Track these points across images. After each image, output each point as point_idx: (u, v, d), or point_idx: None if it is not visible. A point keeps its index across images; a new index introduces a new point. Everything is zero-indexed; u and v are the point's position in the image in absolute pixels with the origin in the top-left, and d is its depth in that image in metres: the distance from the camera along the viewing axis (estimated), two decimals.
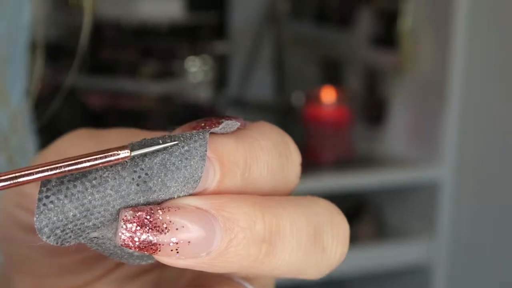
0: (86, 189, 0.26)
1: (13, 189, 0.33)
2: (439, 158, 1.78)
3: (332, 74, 2.06)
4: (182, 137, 0.27)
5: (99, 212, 0.26)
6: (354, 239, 2.00)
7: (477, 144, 1.80)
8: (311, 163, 1.82)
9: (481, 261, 1.82)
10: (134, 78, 1.88)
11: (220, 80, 2.05)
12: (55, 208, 0.25)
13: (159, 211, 0.26)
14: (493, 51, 1.77)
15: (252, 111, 2.09)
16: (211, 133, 0.28)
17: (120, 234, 0.25)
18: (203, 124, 0.28)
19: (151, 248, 0.25)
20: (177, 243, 0.25)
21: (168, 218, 0.25)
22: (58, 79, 1.95)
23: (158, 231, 0.25)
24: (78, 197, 0.26)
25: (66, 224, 0.25)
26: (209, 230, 0.26)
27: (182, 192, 0.26)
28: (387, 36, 1.88)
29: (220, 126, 0.28)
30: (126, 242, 0.25)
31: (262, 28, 2.13)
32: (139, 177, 0.26)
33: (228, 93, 2.11)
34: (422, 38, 1.81)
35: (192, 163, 0.26)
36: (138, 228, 0.25)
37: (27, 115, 0.60)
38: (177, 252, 0.26)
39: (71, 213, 0.25)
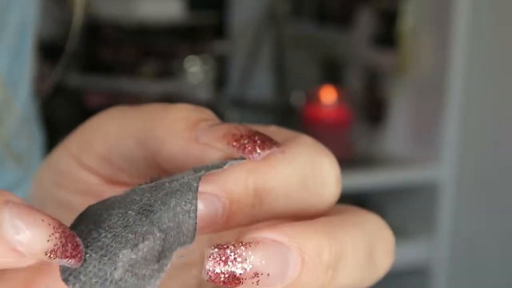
0: (100, 235, 0.29)
1: (50, 168, 0.35)
2: (439, 158, 1.78)
3: (332, 74, 2.06)
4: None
5: (111, 246, 0.29)
6: None
7: (477, 144, 1.80)
8: None
9: (481, 261, 1.82)
10: (134, 78, 1.88)
11: (220, 80, 2.05)
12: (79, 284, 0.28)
13: (242, 247, 0.27)
14: (493, 51, 1.77)
15: (252, 111, 2.09)
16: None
17: (207, 268, 0.27)
18: (247, 146, 0.29)
19: (235, 282, 0.27)
20: (258, 276, 0.27)
21: (250, 253, 0.27)
22: (57, 78, 1.94)
23: (242, 266, 0.27)
24: (92, 242, 0.29)
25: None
26: (285, 262, 0.28)
27: (185, 201, 0.29)
28: (387, 36, 1.88)
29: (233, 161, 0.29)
30: (212, 278, 0.27)
31: (262, 28, 2.13)
32: (144, 209, 0.29)
33: (228, 93, 2.11)
34: (422, 38, 1.80)
35: (189, 181, 0.29)
36: (223, 264, 0.27)
37: (34, 108, 0.60)
38: (257, 284, 0.27)
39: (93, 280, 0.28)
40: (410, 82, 1.84)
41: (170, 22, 1.91)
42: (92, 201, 0.30)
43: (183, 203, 0.28)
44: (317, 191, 0.30)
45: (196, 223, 0.28)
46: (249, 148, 0.29)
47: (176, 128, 0.31)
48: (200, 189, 0.28)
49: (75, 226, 0.29)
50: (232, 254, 0.27)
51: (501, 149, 1.79)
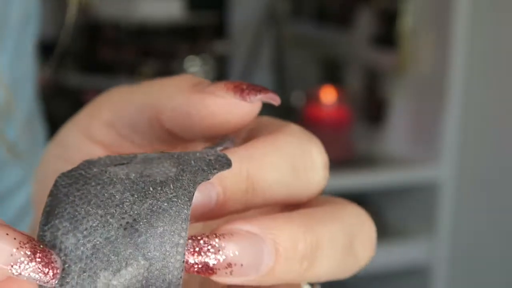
0: (78, 241, 0.26)
1: (57, 144, 0.36)
2: (439, 158, 1.78)
3: (332, 74, 2.06)
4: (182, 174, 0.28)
5: (91, 261, 0.26)
6: None
7: (477, 144, 1.80)
8: None
9: (481, 261, 1.82)
10: (134, 78, 1.88)
11: (220, 80, 2.05)
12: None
13: (215, 238, 0.28)
14: (493, 51, 1.77)
15: None
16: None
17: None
18: (245, 89, 0.31)
19: (208, 272, 0.28)
20: (231, 267, 0.28)
21: (223, 244, 0.28)
22: (57, 78, 1.94)
23: (215, 257, 0.28)
24: (71, 249, 0.26)
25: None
26: (259, 253, 0.28)
27: (173, 232, 0.27)
28: (387, 36, 1.88)
29: (218, 148, 0.30)
30: (186, 268, 0.27)
31: (262, 28, 2.13)
32: (127, 222, 0.26)
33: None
34: (422, 38, 1.81)
35: (178, 203, 0.27)
36: (196, 254, 0.27)
37: (37, 106, 0.60)
38: (231, 274, 0.28)
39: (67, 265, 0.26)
40: (410, 82, 1.84)
41: (170, 22, 1.91)
42: None
43: (172, 232, 0.27)
44: (307, 176, 0.31)
45: (183, 261, 0.27)
46: (247, 91, 0.31)
47: (180, 84, 0.32)
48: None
49: (47, 214, 0.27)
50: (206, 245, 0.27)
51: (501, 149, 1.79)
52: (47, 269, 0.25)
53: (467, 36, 1.74)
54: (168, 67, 1.90)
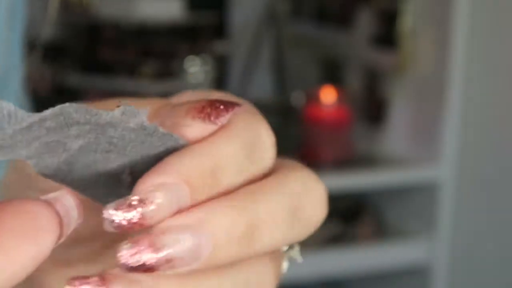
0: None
1: (18, 173, 0.36)
2: (439, 158, 1.78)
3: (332, 74, 2.06)
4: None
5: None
6: (354, 239, 2.00)
7: (477, 144, 1.80)
8: (310, 163, 1.81)
9: (481, 261, 1.82)
10: (134, 78, 1.88)
11: (220, 80, 2.05)
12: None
13: (153, 237, 0.29)
14: (493, 51, 1.77)
15: None
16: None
17: (121, 262, 0.29)
18: (211, 114, 0.31)
19: (149, 270, 0.29)
20: (171, 262, 0.29)
21: (161, 242, 0.29)
22: (57, 78, 1.95)
23: (153, 256, 0.29)
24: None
25: None
26: (197, 245, 0.29)
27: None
28: (387, 36, 1.88)
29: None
30: (128, 271, 0.29)
31: (262, 28, 2.13)
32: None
33: (228, 93, 2.10)
34: (422, 38, 1.81)
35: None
36: (135, 256, 0.28)
37: (24, 100, 0.60)
38: (172, 268, 0.29)
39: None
40: (410, 82, 1.84)
41: (170, 22, 1.91)
42: None
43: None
44: (260, 157, 0.32)
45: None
46: (214, 115, 0.31)
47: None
48: (159, 180, 0.29)
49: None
50: (143, 246, 0.29)
51: (501, 149, 1.79)
52: None
53: (467, 36, 1.74)
54: (168, 67, 1.90)
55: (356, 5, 1.97)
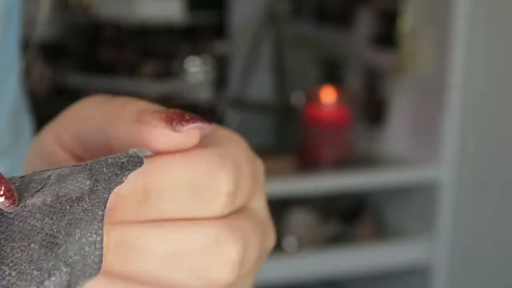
0: (4, 272, 0.28)
1: (37, 144, 0.38)
2: (439, 158, 1.78)
3: (332, 74, 2.06)
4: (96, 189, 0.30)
5: (18, 286, 0.28)
6: (354, 239, 2.00)
7: (477, 144, 1.80)
8: (310, 163, 1.82)
9: (481, 261, 1.82)
10: (134, 78, 1.88)
11: (220, 80, 2.05)
12: None
13: None
14: (493, 51, 1.77)
15: (252, 111, 2.09)
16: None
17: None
18: (174, 119, 0.32)
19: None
20: None
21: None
22: (57, 78, 1.95)
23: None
24: (2, 284, 0.28)
25: None
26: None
27: (90, 233, 0.29)
28: (387, 36, 1.88)
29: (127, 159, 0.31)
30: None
31: (262, 28, 2.13)
32: (48, 242, 0.29)
33: (228, 93, 2.11)
34: (422, 38, 1.81)
35: (94, 210, 0.29)
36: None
37: (22, 96, 0.60)
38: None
39: None
40: (410, 82, 1.84)
41: (170, 22, 1.91)
42: None
43: (89, 234, 0.29)
44: (208, 201, 0.32)
45: (102, 254, 0.29)
46: (176, 121, 0.32)
47: (126, 111, 0.33)
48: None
49: None
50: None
51: (501, 149, 1.79)
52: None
53: (466, 36, 1.74)
54: (168, 67, 1.90)
55: (356, 5, 1.97)
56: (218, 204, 0.32)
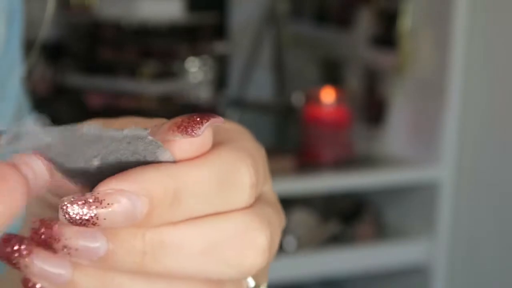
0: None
1: None
2: (438, 158, 1.79)
3: (332, 74, 2.06)
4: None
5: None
6: (354, 239, 2.00)
7: (476, 144, 1.80)
8: (310, 163, 1.82)
9: (481, 261, 1.83)
10: (134, 78, 1.89)
11: (220, 80, 2.05)
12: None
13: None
14: (492, 51, 1.77)
15: (252, 111, 2.09)
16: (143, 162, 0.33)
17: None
18: (187, 126, 0.33)
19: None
20: (69, 250, 0.31)
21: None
22: (57, 78, 1.95)
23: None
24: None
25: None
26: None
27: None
28: (387, 36, 1.88)
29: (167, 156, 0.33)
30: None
31: (262, 28, 2.14)
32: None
33: (228, 93, 2.11)
34: (422, 38, 1.81)
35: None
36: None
37: (24, 98, 0.60)
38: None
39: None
40: (409, 82, 1.84)
41: (171, 22, 1.91)
42: None
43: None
44: (232, 193, 0.33)
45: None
46: (190, 127, 0.33)
47: None
48: (120, 185, 0.31)
49: None
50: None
51: (501, 149, 1.79)
52: None
53: (466, 36, 1.75)
54: (168, 67, 1.90)
55: (356, 5, 1.97)
56: (244, 195, 0.34)
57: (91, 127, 0.31)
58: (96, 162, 0.32)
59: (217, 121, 0.33)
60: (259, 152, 0.36)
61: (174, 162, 0.33)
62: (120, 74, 1.89)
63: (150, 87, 1.88)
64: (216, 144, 0.34)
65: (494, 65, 1.77)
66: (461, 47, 1.74)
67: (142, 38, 1.90)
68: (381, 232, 1.87)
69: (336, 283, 1.93)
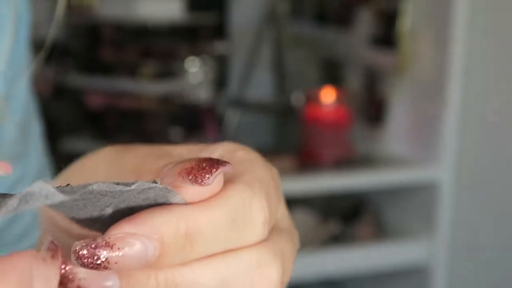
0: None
1: (48, 215, 0.38)
2: (438, 158, 1.79)
3: (332, 74, 2.06)
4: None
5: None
6: (353, 239, 2.00)
7: (476, 144, 1.80)
8: (310, 163, 1.82)
9: (481, 261, 1.83)
10: (134, 78, 1.89)
11: (220, 80, 2.05)
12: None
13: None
14: (492, 51, 1.77)
15: (252, 111, 2.09)
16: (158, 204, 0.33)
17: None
18: (197, 176, 0.32)
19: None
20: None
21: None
22: (57, 78, 1.95)
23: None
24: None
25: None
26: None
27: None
28: (386, 36, 1.88)
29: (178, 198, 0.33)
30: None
31: (262, 28, 2.14)
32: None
33: (228, 93, 2.11)
34: (421, 38, 1.81)
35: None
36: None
37: (32, 102, 0.60)
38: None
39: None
40: (409, 82, 1.84)
41: (171, 22, 1.91)
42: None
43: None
44: (246, 230, 0.33)
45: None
46: (200, 177, 0.32)
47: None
48: (132, 229, 0.31)
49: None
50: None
51: (500, 149, 1.79)
52: None
53: (466, 36, 1.75)
54: (168, 67, 1.90)
55: (356, 6, 1.97)
56: (258, 231, 0.33)
57: (100, 184, 0.31)
58: (109, 211, 0.32)
59: (226, 169, 0.33)
60: (272, 177, 0.35)
61: (185, 203, 0.33)
62: (120, 74, 1.89)
63: (150, 87, 1.88)
64: (228, 181, 0.34)
65: (494, 65, 1.77)
66: (461, 47, 1.75)
67: (142, 38, 1.90)
68: (381, 232, 1.87)
69: (336, 283, 1.93)
